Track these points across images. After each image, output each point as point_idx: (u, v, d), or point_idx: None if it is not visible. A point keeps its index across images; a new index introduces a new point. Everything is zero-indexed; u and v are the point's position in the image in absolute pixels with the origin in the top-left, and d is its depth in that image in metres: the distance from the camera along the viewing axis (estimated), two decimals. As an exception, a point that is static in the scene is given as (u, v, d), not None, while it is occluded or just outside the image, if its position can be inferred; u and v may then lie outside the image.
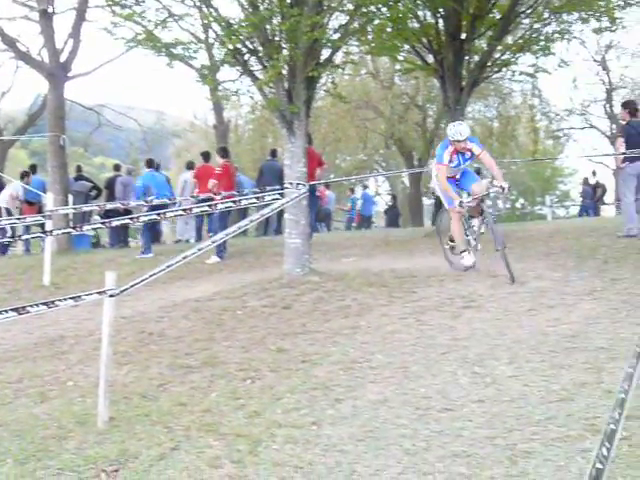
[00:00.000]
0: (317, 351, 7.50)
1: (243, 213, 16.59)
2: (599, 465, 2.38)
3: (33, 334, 9.20)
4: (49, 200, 14.34)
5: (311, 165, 12.68)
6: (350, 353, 7.33)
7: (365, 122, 33.29)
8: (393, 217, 27.89)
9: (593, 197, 26.06)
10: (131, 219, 9.84)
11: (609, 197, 27.15)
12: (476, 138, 10.90)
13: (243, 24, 11.21)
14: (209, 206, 9.63)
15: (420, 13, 16.06)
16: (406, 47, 17.10)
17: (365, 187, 28.81)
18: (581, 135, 42.92)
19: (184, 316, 9.57)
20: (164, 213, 9.50)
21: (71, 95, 28.24)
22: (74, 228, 10.38)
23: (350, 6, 11.97)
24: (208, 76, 12.71)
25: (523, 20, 16.48)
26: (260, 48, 11.54)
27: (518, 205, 45.97)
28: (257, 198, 7.94)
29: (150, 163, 17.71)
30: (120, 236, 19.16)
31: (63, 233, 14.07)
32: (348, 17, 12.02)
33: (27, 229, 16.92)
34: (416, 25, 16.08)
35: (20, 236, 14.81)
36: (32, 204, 18.75)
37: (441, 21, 15.98)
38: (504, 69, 17.55)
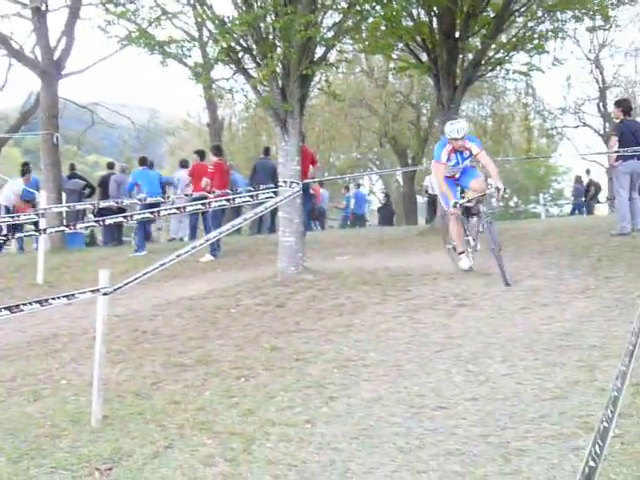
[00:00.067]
0: (311, 349, 7.50)
1: (237, 211, 16.61)
2: (592, 463, 2.38)
3: (26, 332, 9.18)
4: (42, 198, 14.32)
5: (304, 163, 12.68)
6: (344, 351, 7.33)
7: (359, 120, 33.28)
8: (386, 215, 27.91)
9: (585, 195, 26.12)
10: (125, 217, 9.83)
11: (602, 195, 27.22)
12: (476, 137, 10.76)
13: (237, 22, 11.20)
14: (203, 204, 9.62)
15: (414, 11, 16.08)
16: (400, 45, 17.14)
17: (358, 186, 28.83)
18: (575, 133, 43.02)
19: (178, 314, 9.56)
20: (158, 211, 9.49)
21: (64, 93, 28.26)
22: (67, 226, 10.37)
23: (344, 4, 11.97)
24: (202, 74, 12.69)
25: (517, 18, 16.53)
26: (254, 46, 11.53)
27: (512, 203, 46.04)
28: (251, 196, 7.94)
29: (143, 161, 17.71)
30: (114, 234, 19.13)
31: (56, 231, 14.04)
32: (342, 15, 12.02)
33: (21, 227, 16.90)
34: (410, 23, 16.10)
35: (14, 234, 14.78)
36: (26, 202, 18.72)
37: (435, 19, 16.02)
38: (498, 67, 17.59)
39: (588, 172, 26.94)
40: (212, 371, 7.06)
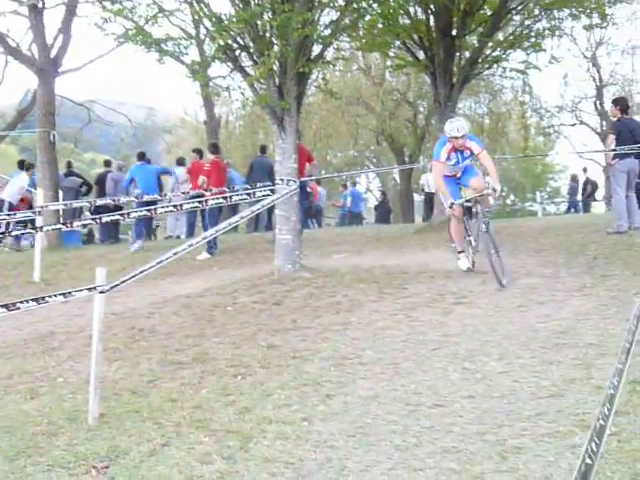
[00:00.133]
0: (308, 347, 7.50)
1: (234, 209, 16.61)
2: (588, 460, 2.38)
3: (23, 330, 9.18)
4: (39, 196, 14.30)
5: (300, 161, 12.69)
6: (341, 349, 7.34)
7: (356, 118, 33.27)
8: (383, 213, 27.91)
9: (582, 193, 26.14)
10: (121, 215, 9.83)
11: (599, 194, 27.23)
12: (477, 137, 10.60)
13: (234, 20, 11.20)
14: (200, 202, 9.62)
15: (411, 9, 16.09)
16: (397, 43, 17.15)
17: (354, 184, 28.81)
18: (571, 132, 43.04)
19: (174, 312, 9.56)
20: (155, 209, 9.49)
21: (61, 91, 28.12)
22: (64, 224, 10.37)
23: (341, 2, 11.97)
24: (199, 72, 12.68)
25: (514, 17, 16.55)
26: (251, 44, 11.53)
27: (509, 201, 46.04)
28: (248, 194, 7.94)
29: (141, 156, 17.77)
30: (111, 232, 19.11)
31: (53, 229, 14.03)
32: (339, 13, 12.02)
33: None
34: (407, 21, 16.12)
35: (10, 231, 14.77)
36: (22, 200, 18.69)
37: (432, 17, 16.04)
38: (495, 65, 17.60)
39: (585, 170, 26.95)
40: (209, 369, 7.06)
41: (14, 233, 14.52)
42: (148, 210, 8.68)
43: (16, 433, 5.60)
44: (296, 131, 11.74)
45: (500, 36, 17.96)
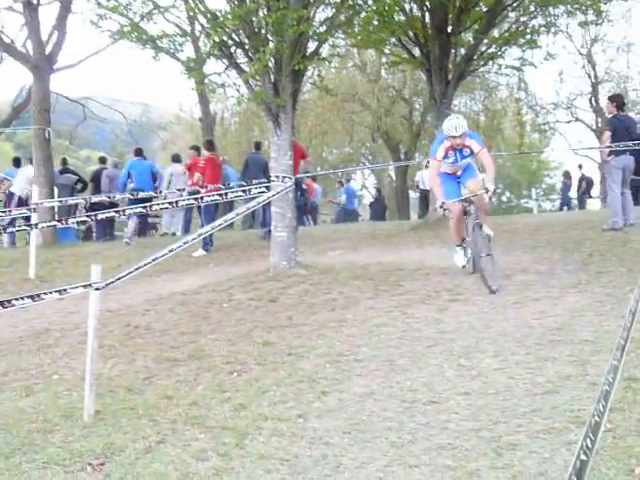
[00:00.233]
0: (303, 344, 7.50)
1: (229, 206, 16.62)
2: (583, 457, 2.39)
3: (18, 327, 9.16)
4: (34, 193, 14.27)
5: (294, 158, 12.66)
6: (336, 346, 7.34)
7: (351, 115, 33.27)
8: (378, 210, 27.89)
9: (578, 190, 26.16)
10: (117, 212, 9.81)
11: (595, 190, 27.27)
12: (477, 135, 10.32)
13: (229, 16, 11.18)
14: (195, 199, 9.62)
15: (406, 6, 16.08)
16: (392, 40, 17.12)
17: (348, 180, 28.77)
18: (567, 128, 43.04)
19: (170, 309, 9.55)
20: (150, 206, 9.47)
21: (56, 87, 28.17)
22: (59, 221, 10.35)
23: (336, -2, 11.96)
24: (194, 69, 12.67)
25: (509, 13, 16.57)
26: (246, 41, 11.52)
27: (504, 198, 46.12)
28: (243, 191, 7.93)
29: (138, 152, 17.86)
30: (106, 229, 19.09)
31: (48, 226, 14.02)
32: (334, 10, 12.01)
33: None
34: (402, 18, 16.10)
35: (5, 229, 14.74)
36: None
37: (427, 14, 16.03)
38: (490, 62, 17.59)
39: (580, 167, 26.97)
40: (204, 366, 7.06)
41: (8, 230, 14.48)
42: (143, 207, 8.66)
43: (11, 430, 5.60)
44: (291, 128, 11.74)
45: (495, 33, 17.96)
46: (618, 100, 13.45)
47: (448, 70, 15.98)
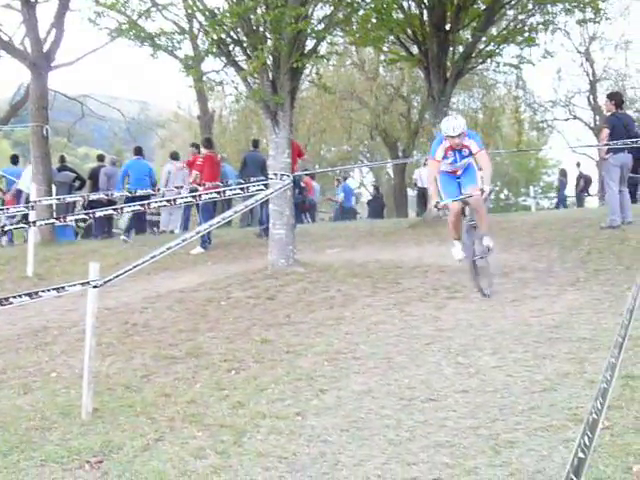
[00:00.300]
0: (301, 342, 7.51)
1: (227, 204, 16.62)
2: (581, 454, 2.39)
3: (16, 325, 9.16)
4: (32, 191, 14.26)
5: (291, 156, 12.66)
6: (334, 344, 7.34)
7: (350, 113, 33.28)
8: (376, 208, 27.87)
9: (576, 188, 26.16)
10: (115, 210, 9.80)
11: (593, 188, 27.28)
12: (477, 134, 9.91)
13: (227, 14, 11.18)
14: (193, 197, 9.61)
15: (405, 4, 16.10)
16: (391, 38, 17.13)
17: (345, 179, 28.75)
18: (565, 126, 43.12)
19: (168, 307, 9.55)
20: (148, 204, 9.46)
21: (54, 85, 28.13)
22: (57, 219, 10.33)
23: (334, -4, 11.96)
24: (192, 67, 12.66)
25: (507, 11, 16.56)
26: (244, 38, 11.52)
27: (502, 196, 46.12)
28: (241, 189, 7.93)
29: (137, 151, 17.91)
30: (104, 227, 19.07)
31: (46, 224, 14.00)
32: (332, 8, 12.01)
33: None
34: (401, 16, 16.10)
35: (3, 227, 14.73)
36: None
37: (426, 12, 16.03)
38: (488, 60, 17.61)
39: (578, 165, 26.96)
40: (202, 364, 7.06)
41: (6, 228, 14.46)
42: (141, 205, 8.65)
43: (9, 428, 5.60)
44: (289, 126, 11.75)
45: (494, 31, 17.98)
46: (617, 98, 13.46)
47: (446, 68, 15.99)
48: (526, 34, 16.37)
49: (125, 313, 9.37)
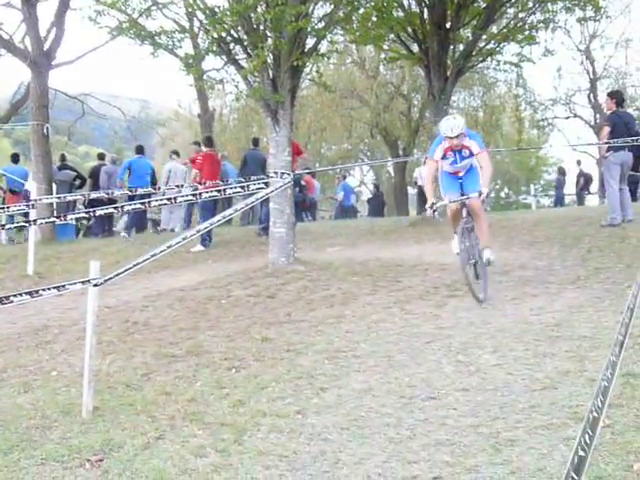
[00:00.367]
0: (302, 340, 7.51)
1: (228, 202, 16.64)
2: (581, 452, 2.39)
3: (17, 324, 9.16)
4: (33, 189, 14.26)
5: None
6: (335, 342, 7.34)
7: (350, 111, 33.27)
8: (376, 206, 27.88)
9: (576, 186, 26.16)
10: (115, 208, 9.80)
11: (593, 187, 27.26)
12: (477, 135, 9.60)
13: (228, 13, 11.18)
14: (194, 195, 9.60)
15: (405, 2, 16.11)
16: (391, 36, 17.12)
17: (344, 177, 28.75)
18: (565, 124, 43.11)
19: (169, 305, 9.55)
20: (149, 202, 9.46)
21: (55, 83, 28.11)
22: (58, 217, 10.32)
23: (335, -6, 11.95)
24: (193, 65, 12.66)
25: (508, 9, 16.56)
26: (245, 37, 11.51)
27: (503, 194, 46.11)
28: (242, 187, 7.92)
29: (139, 149, 18.05)
30: (105, 225, 19.08)
31: (47, 222, 14.00)
32: (333, 6, 12.01)
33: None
34: (401, 14, 16.10)
35: (3, 225, 14.72)
36: (16, 193, 18.61)
37: (426, 10, 16.02)
38: (489, 58, 17.60)
39: (579, 163, 26.96)
40: (203, 362, 7.06)
41: (7, 227, 14.45)
42: (142, 203, 8.64)
43: (10, 427, 5.60)
44: (290, 124, 11.75)
45: (494, 29, 17.97)
46: (618, 96, 13.46)
47: (447, 66, 15.98)
48: (526, 32, 16.36)
49: (126, 311, 9.37)
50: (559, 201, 26.81)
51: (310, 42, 11.87)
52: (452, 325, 7.59)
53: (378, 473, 4.47)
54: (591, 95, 35.38)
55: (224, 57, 12.23)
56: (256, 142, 18.42)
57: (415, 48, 16.96)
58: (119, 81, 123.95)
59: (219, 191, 8.22)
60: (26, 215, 13.92)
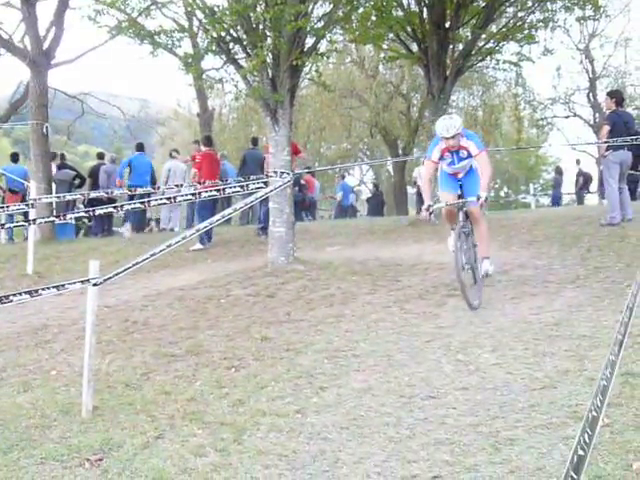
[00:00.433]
0: (301, 339, 7.51)
1: (227, 202, 16.65)
2: (581, 452, 2.39)
3: (16, 323, 9.16)
4: (32, 189, 14.25)
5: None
6: (334, 342, 7.34)
7: (349, 111, 33.27)
8: (376, 206, 27.88)
9: (576, 185, 26.16)
10: (115, 208, 9.79)
11: (592, 186, 27.26)
12: (476, 135, 9.21)
13: (227, 12, 11.18)
14: (193, 195, 9.59)
15: (404, 1, 16.10)
16: (390, 35, 17.12)
17: (343, 177, 28.75)
18: (565, 124, 43.16)
19: (168, 305, 9.55)
20: (148, 201, 9.45)
21: (54, 83, 28.05)
22: (57, 217, 10.32)
23: (334, -6, 11.94)
24: (192, 64, 12.65)
25: (507, 8, 16.55)
26: (244, 36, 11.51)
27: (502, 193, 46.13)
28: (241, 187, 7.93)
29: (139, 147, 18.23)
30: (104, 225, 19.09)
31: (46, 222, 14.00)
32: (332, 5, 12.00)
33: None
34: (400, 13, 16.09)
35: (3, 225, 14.72)
36: (15, 193, 18.59)
37: (425, 9, 16.01)
38: (488, 58, 17.59)
39: (578, 162, 26.96)
40: (202, 361, 7.07)
41: (7, 226, 14.45)
42: (142, 202, 8.64)
43: (9, 426, 5.60)
44: (289, 124, 11.75)
45: (493, 28, 17.94)
46: (617, 96, 13.46)
47: (446, 65, 15.97)
48: (526, 31, 16.36)
49: (125, 311, 9.37)
50: (556, 200, 26.81)
51: (309, 41, 11.87)
52: (451, 324, 7.59)
53: (378, 472, 4.47)
54: (590, 94, 35.38)
55: (223, 56, 12.23)
56: (255, 141, 18.42)
57: (414, 47, 16.96)
58: (118, 80, 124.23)
59: (218, 190, 8.23)
60: (25, 214, 13.92)
